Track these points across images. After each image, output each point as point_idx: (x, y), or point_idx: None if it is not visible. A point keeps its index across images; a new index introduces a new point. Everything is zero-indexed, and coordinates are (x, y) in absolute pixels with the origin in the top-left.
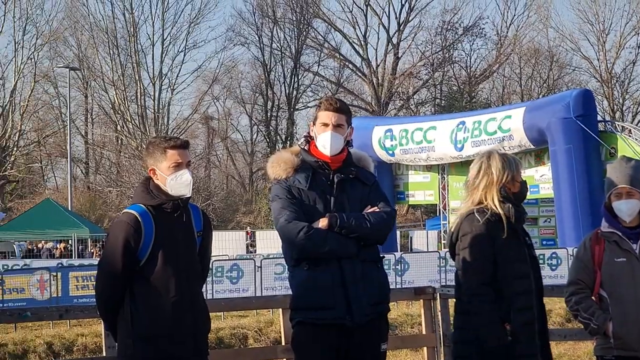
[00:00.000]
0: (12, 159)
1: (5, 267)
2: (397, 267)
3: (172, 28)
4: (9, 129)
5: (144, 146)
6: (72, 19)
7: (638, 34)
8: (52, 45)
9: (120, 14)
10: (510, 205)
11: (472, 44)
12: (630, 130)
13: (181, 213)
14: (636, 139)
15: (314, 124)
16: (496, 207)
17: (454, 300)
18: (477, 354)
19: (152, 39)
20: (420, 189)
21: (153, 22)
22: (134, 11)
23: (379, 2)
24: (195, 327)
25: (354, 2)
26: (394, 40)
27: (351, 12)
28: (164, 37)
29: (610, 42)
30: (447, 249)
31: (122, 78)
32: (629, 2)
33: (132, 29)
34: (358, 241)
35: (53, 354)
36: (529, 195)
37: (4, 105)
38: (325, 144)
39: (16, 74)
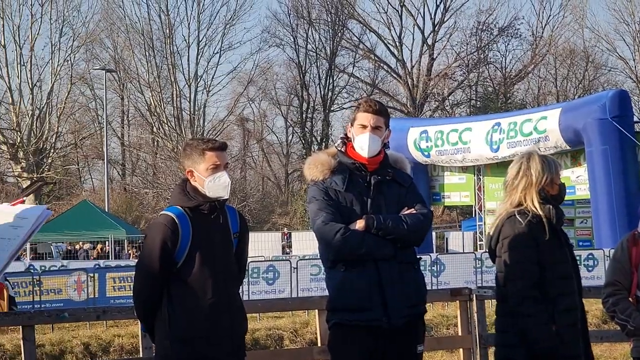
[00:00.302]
0: (49, 160)
1: (43, 268)
2: (432, 268)
3: (207, 30)
4: (46, 131)
5: (180, 148)
6: (108, 20)
7: None
8: (89, 47)
9: (156, 15)
10: (551, 207)
11: (508, 44)
12: None
13: (218, 215)
14: None
15: (351, 125)
16: (537, 209)
17: (492, 301)
18: (523, 357)
19: (187, 41)
20: (456, 190)
21: (189, 24)
22: (169, 13)
23: (414, 3)
24: (232, 328)
25: (389, 3)
26: (429, 41)
27: (386, 13)
28: (200, 39)
29: None
30: (483, 250)
31: (157, 80)
32: None
33: (167, 31)
34: (395, 243)
35: (90, 355)
36: (565, 197)
37: (41, 108)
38: (363, 145)
39: (53, 76)
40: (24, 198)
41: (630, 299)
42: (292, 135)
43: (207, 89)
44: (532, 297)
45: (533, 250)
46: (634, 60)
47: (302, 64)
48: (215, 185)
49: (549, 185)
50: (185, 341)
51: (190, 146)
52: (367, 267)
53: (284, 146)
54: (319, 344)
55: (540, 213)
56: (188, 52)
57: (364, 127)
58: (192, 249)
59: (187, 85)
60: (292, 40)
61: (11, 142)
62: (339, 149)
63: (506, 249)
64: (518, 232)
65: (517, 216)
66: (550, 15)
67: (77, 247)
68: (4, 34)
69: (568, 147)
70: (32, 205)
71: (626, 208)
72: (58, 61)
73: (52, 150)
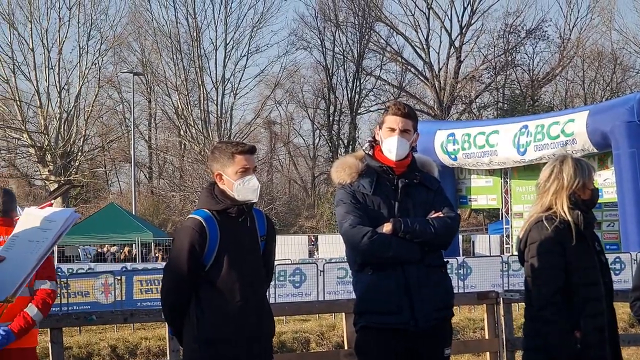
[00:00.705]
0: (77, 163)
1: (70, 270)
2: (459, 271)
3: (234, 32)
4: (74, 134)
5: (208, 151)
6: (135, 24)
7: None
8: (116, 50)
9: (184, 18)
10: (579, 212)
11: (535, 47)
12: None
13: (245, 218)
14: None
15: (379, 128)
16: (565, 214)
17: (520, 304)
18: None
19: (215, 44)
20: (483, 193)
21: (216, 27)
22: (197, 16)
23: (441, 6)
24: (260, 331)
25: (416, 5)
26: (456, 44)
27: (413, 15)
28: (227, 42)
29: None
30: (509, 254)
31: (185, 83)
32: None
33: (195, 34)
34: (422, 246)
35: (117, 357)
36: (597, 201)
37: (69, 111)
38: (392, 148)
39: (80, 79)
40: (52, 201)
41: None
42: (319, 138)
43: (234, 92)
44: (554, 303)
45: (558, 256)
46: None
47: (329, 66)
48: (244, 188)
49: (580, 189)
50: (213, 344)
51: (218, 149)
52: (395, 271)
53: (310, 149)
54: (346, 347)
55: (569, 218)
56: (215, 55)
57: (393, 130)
58: (220, 252)
59: (214, 88)
60: (319, 43)
61: (39, 145)
62: (367, 152)
63: (533, 254)
64: (544, 238)
65: (545, 222)
66: (577, 18)
67: (105, 250)
68: (32, 37)
69: (595, 150)
70: (60, 208)
71: None
72: (86, 64)
73: (79, 153)
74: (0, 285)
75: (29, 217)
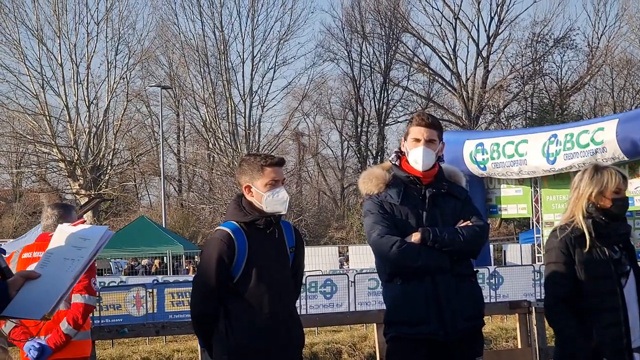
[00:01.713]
0: (107, 177)
1: (102, 284)
2: (491, 280)
3: (261, 45)
4: (103, 148)
5: (236, 163)
6: (163, 38)
7: None
8: (144, 64)
9: (211, 32)
10: (592, 221)
11: (563, 55)
12: None
13: (274, 229)
14: None
15: (405, 139)
16: (580, 223)
17: None
18: None
19: (242, 57)
20: (513, 203)
21: (243, 40)
22: (224, 29)
23: (468, 16)
24: (289, 342)
25: (442, 16)
26: (484, 54)
27: (440, 26)
28: (254, 55)
29: None
30: (541, 263)
31: (212, 96)
32: None
33: (222, 47)
34: (451, 255)
35: None
36: (623, 211)
37: (98, 125)
38: (417, 159)
39: (109, 93)
40: (84, 217)
41: None
42: (347, 150)
43: (262, 104)
44: (559, 312)
45: (565, 264)
46: None
47: (356, 78)
48: (273, 200)
49: (598, 198)
50: (243, 355)
51: (247, 162)
52: (424, 281)
53: (339, 160)
54: (378, 358)
55: (582, 227)
56: (243, 68)
57: (418, 140)
58: (249, 264)
59: (242, 101)
60: (347, 54)
61: (69, 159)
62: (394, 162)
63: (545, 262)
64: (552, 247)
65: (558, 230)
66: (606, 26)
67: (136, 263)
68: (60, 52)
69: (626, 158)
70: (93, 226)
71: None
72: (114, 79)
73: (109, 167)
74: (36, 304)
75: (62, 234)
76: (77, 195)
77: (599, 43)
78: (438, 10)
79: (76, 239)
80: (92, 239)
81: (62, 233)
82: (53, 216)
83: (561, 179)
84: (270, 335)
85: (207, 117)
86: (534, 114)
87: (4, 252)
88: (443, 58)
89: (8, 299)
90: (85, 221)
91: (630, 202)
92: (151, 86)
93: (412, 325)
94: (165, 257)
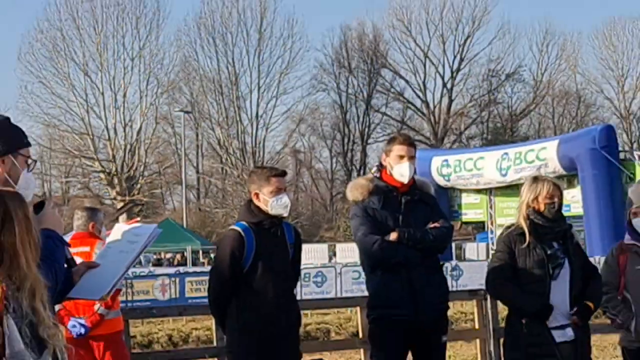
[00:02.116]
0: (139, 186)
1: (134, 273)
2: (453, 272)
3: (266, 78)
4: (136, 162)
5: (245, 175)
6: (185, 71)
7: None
8: (170, 93)
9: (224, 67)
10: (530, 222)
11: (513, 87)
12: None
13: (277, 229)
14: None
15: (387, 155)
16: (521, 223)
17: None
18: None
19: (250, 87)
20: (472, 209)
21: (251, 73)
22: (235, 64)
23: (435, 54)
24: (289, 322)
25: (414, 54)
26: (448, 86)
27: (412, 62)
28: (260, 86)
29: (628, 85)
30: None
31: (226, 119)
32: None
33: (233, 79)
34: (422, 251)
35: (172, 344)
36: (553, 214)
37: (132, 143)
38: (404, 173)
39: (141, 117)
40: (120, 219)
41: (619, 297)
42: (336, 164)
43: (266, 127)
44: (500, 284)
45: (507, 255)
46: (618, 100)
47: (343, 105)
48: (277, 205)
49: (534, 203)
50: (251, 333)
51: (256, 173)
52: (400, 272)
53: (329, 173)
54: (361, 336)
55: (523, 227)
56: (250, 97)
57: (402, 157)
58: (256, 258)
59: (249, 124)
60: (335, 86)
61: (107, 171)
62: (375, 174)
63: (493, 253)
64: (499, 241)
65: (505, 229)
66: (548, 63)
67: (162, 256)
68: (102, 83)
69: (564, 172)
70: (144, 225)
71: (613, 222)
72: (145, 105)
73: (140, 178)
74: (97, 287)
75: (119, 231)
76: (114, 201)
77: (542, 77)
78: (411, 50)
79: (130, 235)
80: (142, 236)
81: (119, 230)
82: (82, 217)
83: (511, 189)
84: (273, 316)
85: (221, 137)
86: (489, 136)
87: (68, 245)
88: (415, 89)
89: (72, 284)
90: (138, 220)
91: (567, 208)
92: (176, 111)
93: (390, 308)
94: (185, 252)
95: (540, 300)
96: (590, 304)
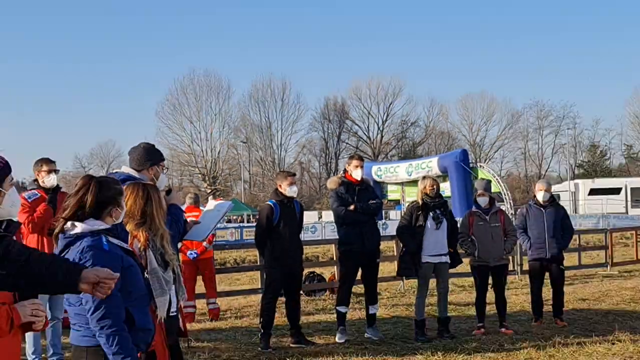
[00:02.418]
0: (218, 180)
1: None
2: (383, 226)
3: (286, 124)
4: (217, 168)
5: (274, 174)
6: (243, 121)
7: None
8: (235, 132)
9: (264, 118)
10: (422, 200)
11: (416, 129)
12: (481, 166)
13: (290, 203)
14: (487, 170)
15: (348, 165)
16: (418, 200)
17: None
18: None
19: (277, 129)
20: (393, 193)
21: (278, 122)
22: (269, 117)
23: (373, 112)
24: (297, 252)
25: (363, 112)
26: (381, 129)
27: (362, 116)
28: (282, 128)
29: (475, 127)
30: None
31: (264, 146)
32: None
33: (268, 125)
34: (369, 215)
35: (236, 264)
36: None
37: (215, 158)
38: (357, 175)
39: (220, 145)
40: (220, 198)
41: (469, 239)
42: (321, 170)
43: (285, 149)
44: (402, 233)
45: (409, 217)
46: (468, 136)
47: (326, 139)
48: (291, 191)
49: (424, 189)
50: (277, 258)
51: (280, 174)
52: (355, 226)
53: (318, 174)
54: (335, 259)
55: (419, 202)
56: (278, 134)
57: (357, 166)
58: (279, 218)
59: (277, 148)
60: (322, 128)
61: (202, 173)
62: (342, 175)
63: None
64: (406, 210)
65: (409, 203)
66: (433, 117)
67: (232, 219)
68: (200, 126)
69: (441, 174)
70: (224, 201)
71: (465, 200)
72: (222, 138)
73: (220, 176)
74: (200, 234)
75: (211, 205)
76: (206, 189)
77: (430, 124)
78: (361, 110)
79: (217, 206)
80: (223, 206)
81: (211, 204)
82: (191, 198)
83: (414, 182)
84: (289, 252)
85: (262, 155)
86: (402, 155)
87: (184, 212)
88: (363, 131)
89: (186, 231)
90: (222, 199)
91: (443, 192)
92: (238, 142)
93: (350, 245)
94: (243, 215)
95: (415, 242)
96: (451, 250)
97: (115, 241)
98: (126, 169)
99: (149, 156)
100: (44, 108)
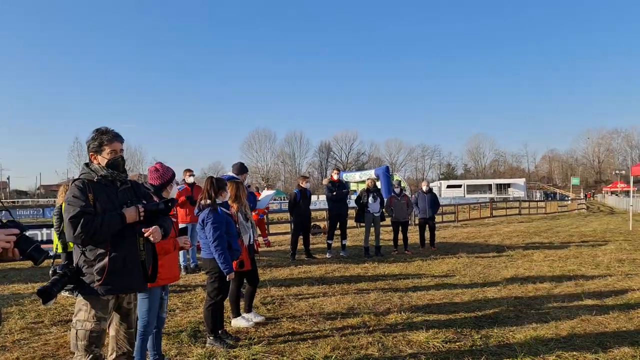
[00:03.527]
0: (269, 181)
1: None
2: (348, 202)
3: (299, 158)
4: (268, 174)
5: (298, 177)
6: (280, 156)
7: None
8: (279, 157)
9: (290, 153)
10: (367, 188)
11: (365, 160)
12: (395, 174)
13: (306, 192)
14: (399, 175)
15: (333, 173)
16: (365, 187)
17: None
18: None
19: (298, 157)
20: (353, 186)
21: (296, 155)
22: (294, 152)
23: (343, 149)
24: (307, 213)
25: (342, 151)
26: (347, 156)
27: (340, 153)
28: (298, 160)
29: (395, 154)
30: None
31: (291, 164)
32: None
33: (292, 155)
34: (342, 197)
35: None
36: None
37: (269, 169)
38: (337, 177)
39: (271, 163)
40: (272, 189)
41: (389, 208)
42: (319, 177)
43: (299, 168)
44: (358, 202)
45: (360, 196)
46: (388, 159)
47: (322, 164)
48: (306, 185)
49: (369, 184)
50: (299, 218)
51: (301, 177)
52: (336, 202)
53: (319, 178)
54: (326, 217)
55: (366, 189)
56: (297, 161)
57: (336, 173)
58: (300, 199)
59: (298, 167)
60: (319, 158)
61: (263, 176)
62: (329, 178)
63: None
64: (360, 192)
65: (362, 190)
66: (375, 152)
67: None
68: (263, 155)
69: (376, 178)
70: (272, 190)
71: (388, 191)
72: (271, 159)
73: (270, 178)
74: (262, 204)
75: (265, 192)
76: (264, 184)
77: (372, 154)
78: (340, 150)
79: (269, 193)
80: (272, 193)
81: (265, 192)
82: (256, 188)
83: (364, 182)
84: (305, 213)
85: (290, 169)
86: (357, 168)
87: (255, 195)
88: (342, 159)
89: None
90: (271, 189)
91: (378, 186)
92: (278, 162)
93: (335, 211)
94: (282, 197)
95: (362, 206)
96: (384, 210)
97: (223, 209)
98: (230, 174)
99: (241, 169)
100: (192, 136)
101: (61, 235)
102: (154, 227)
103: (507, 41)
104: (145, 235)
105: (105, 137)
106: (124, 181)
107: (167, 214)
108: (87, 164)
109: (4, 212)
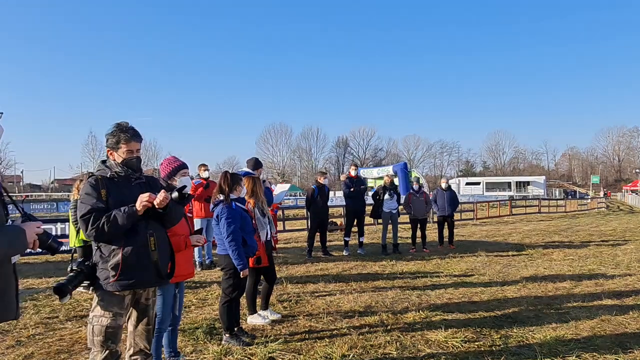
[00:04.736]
0: (284, 175)
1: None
2: (365, 198)
3: (317, 152)
4: (284, 170)
5: (316, 173)
6: (296, 152)
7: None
8: (295, 151)
9: (306, 148)
10: (384, 184)
11: (383, 156)
12: (413, 170)
13: (324, 187)
14: (417, 172)
15: (350, 168)
16: (386, 183)
17: None
18: None
19: (313, 155)
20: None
21: (313, 150)
22: (312, 148)
23: (361, 145)
24: (325, 207)
25: (358, 146)
26: (365, 152)
27: (357, 148)
28: (315, 153)
29: (413, 154)
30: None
31: (307, 160)
32: None
33: (310, 151)
34: (360, 193)
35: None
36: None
37: (285, 165)
38: (354, 173)
39: (287, 158)
40: (287, 184)
41: (408, 205)
42: (336, 173)
43: (317, 164)
44: (375, 199)
45: (378, 192)
46: (405, 155)
47: (339, 159)
48: (324, 181)
49: (386, 180)
50: (316, 214)
51: (319, 173)
52: (354, 198)
53: (335, 177)
54: (342, 214)
55: (386, 184)
56: (314, 156)
57: (354, 169)
58: (318, 195)
59: (314, 163)
60: (336, 153)
61: (278, 172)
62: (347, 173)
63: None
64: (377, 189)
65: (379, 186)
66: (394, 150)
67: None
68: (279, 151)
69: (394, 174)
70: (287, 184)
71: (405, 188)
72: (288, 156)
73: (286, 173)
74: (277, 198)
75: (280, 186)
76: (279, 179)
77: (390, 150)
78: (358, 146)
79: (284, 187)
80: (286, 187)
81: (280, 186)
82: (270, 183)
83: (381, 178)
84: (322, 210)
85: (306, 165)
86: (374, 164)
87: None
88: (358, 155)
89: (273, 199)
90: (286, 184)
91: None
92: (294, 158)
93: (351, 207)
94: (299, 193)
95: (379, 202)
96: (401, 207)
97: (239, 204)
98: (245, 169)
99: (256, 164)
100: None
101: (79, 231)
102: (160, 192)
103: (527, 40)
104: (149, 200)
105: (123, 136)
106: (138, 177)
107: (181, 203)
108: (103, 161)
109: (11, 205)
